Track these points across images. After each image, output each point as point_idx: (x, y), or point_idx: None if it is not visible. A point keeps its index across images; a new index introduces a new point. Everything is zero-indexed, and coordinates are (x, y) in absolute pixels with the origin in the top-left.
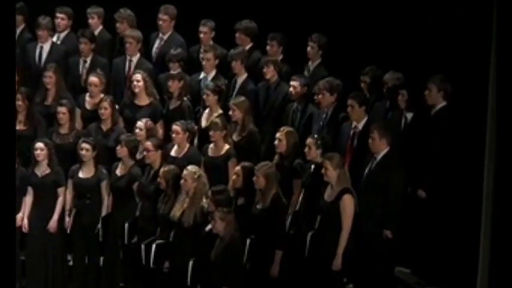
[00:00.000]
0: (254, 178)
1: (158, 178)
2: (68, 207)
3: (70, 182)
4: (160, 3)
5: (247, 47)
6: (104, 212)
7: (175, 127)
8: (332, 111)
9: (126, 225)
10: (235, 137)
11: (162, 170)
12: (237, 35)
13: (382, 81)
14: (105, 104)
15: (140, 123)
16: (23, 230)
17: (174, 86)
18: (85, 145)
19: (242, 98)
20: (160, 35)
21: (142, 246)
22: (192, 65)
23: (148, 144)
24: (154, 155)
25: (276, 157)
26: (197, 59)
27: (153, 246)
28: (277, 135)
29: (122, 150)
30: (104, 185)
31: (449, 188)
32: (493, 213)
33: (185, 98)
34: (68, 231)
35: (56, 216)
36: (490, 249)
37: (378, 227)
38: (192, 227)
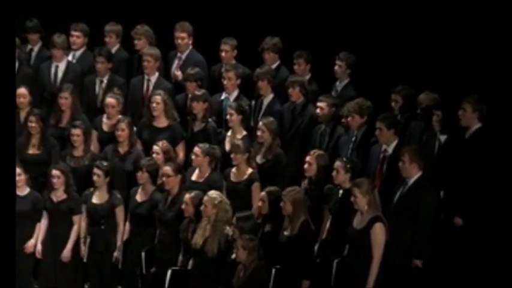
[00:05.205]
0: (281, 204)
1: (184, 205)
2: (82, 234)
3: (83, 208)
4: (179, 20)
5: (275, 65)
6: (119, 239)
7: (195, 149)
8: (362, 134)
9: (143, 253)
10: (259, 159)
11: (187, 195)
12: (265, 54)
13: (416, 101)
14: (123, 125)
15: (156, 147)
16: (37, 255)
17: (199, 107)
18: (96, 170)
19: (271, 119)
20: (179, 53)
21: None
22: (214, 85)
23: (167, 169)
24: (174, 180)
25: (305, 182)
26: (218, 78)
27: (168, 272)
28: (307, 158)
29: (143, 176)
30: (119, 210)
31: (487, 215)
32: None
33: (210, 120)
34: (85, 259)
35: (69, 246)
36: None
37: (407, 255)
38: (216, 256)
